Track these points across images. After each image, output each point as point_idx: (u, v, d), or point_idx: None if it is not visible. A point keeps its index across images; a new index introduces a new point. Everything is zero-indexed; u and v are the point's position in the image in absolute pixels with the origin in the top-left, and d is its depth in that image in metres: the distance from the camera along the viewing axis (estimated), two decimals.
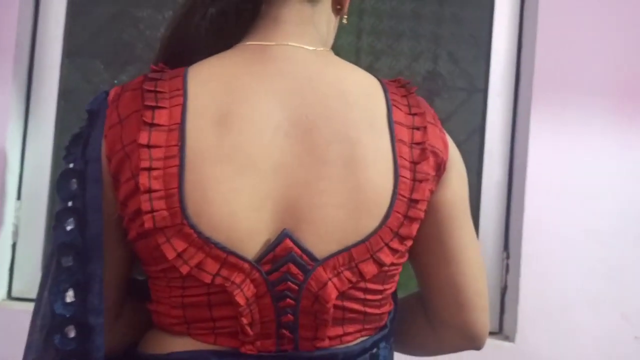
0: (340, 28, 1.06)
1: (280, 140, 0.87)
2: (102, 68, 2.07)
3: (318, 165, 0.86)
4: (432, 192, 0.93)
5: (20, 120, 1.99)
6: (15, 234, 1.99)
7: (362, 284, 0.88)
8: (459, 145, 1.01)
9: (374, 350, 0.95)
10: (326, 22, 0.99)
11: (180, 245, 0.84)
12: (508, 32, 2.09)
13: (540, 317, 1.94)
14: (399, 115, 0.92)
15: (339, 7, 1.01)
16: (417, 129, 0.93)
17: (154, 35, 2.04)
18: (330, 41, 1.02)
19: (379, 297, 0.92)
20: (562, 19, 1.98)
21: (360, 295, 0.89)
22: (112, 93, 0.92)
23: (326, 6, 0.99)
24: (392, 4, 2.12)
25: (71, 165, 0.89)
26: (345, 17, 1.04)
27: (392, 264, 0.90)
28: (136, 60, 2.06)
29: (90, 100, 0.93)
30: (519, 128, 2.05)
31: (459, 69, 2.12)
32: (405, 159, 0.90)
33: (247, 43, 0.95)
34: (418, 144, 0.92)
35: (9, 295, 1.99)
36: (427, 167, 0.91)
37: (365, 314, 0.91)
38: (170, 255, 0.84)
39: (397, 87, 0.96)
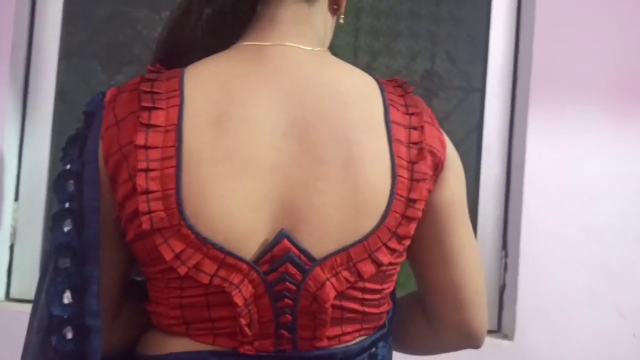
0: (338, 27, 1.05)
1: (277, 141, 0.87)
2: (99, 69, 2.07)
3: (315, 165, 0.86)
4: (429, 191, 0.93)
5: (17, 121, 1.99)
6: (13, 235, 1.99)
7: (360, 284, 0.88)
8: (456, 144, 1.01)
9: (373, 350, 0.95)
10: (323, 22, 0.99)
11: (178, 246, 0.84)
12: (505, 31, 2.09)
13: (538, 315, 1.95)
14: (396, 115, 0.92)
15: (335, 6, 1.01)
16: (415, 128, 0.93)
17: (150, 36, 2.05)
18: (328, 41, 1.02)
19: (378, 296, 0.92)
20: (559, 18, 1.98)
21: (358, 295, 0.89)
22: (108, 94, 0.92)
23: (323, 6, 0.99)
24: (389, 3, 2.12)
25: (68, 167, 0.89)
26: (342, 16, 1.04)
27: (390, 264, 0.90)
28: (133, 61, 2.06)
29: (87, 101, 0.93)
30: (516, 127, 2.05)
31: (456, 68, 2.12)
32: (402, 158, 0.90)
33: (244, 43, 0.95)
34: (415, 143, 0.92)
35: (7, 297, 1.99)
36: (425, 167, 0.91)
37: (363, 313, 0.91)
38: (168, 256, 0.84)
39: (394, 86, 0.96)
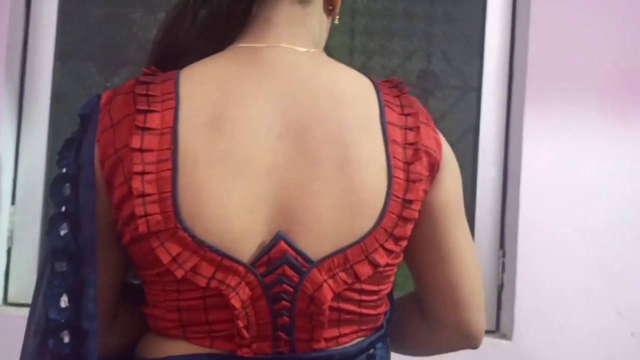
0: (333, 28, 1.05)
1: (273, 142, 0.87)
2: (94, 70, 2.06)
3: (311, 166, 0.86)
4: (426, 192, 0.93)
5: (13, 124, 1.99)
6: (10, 239, 1.99)
7: (357, 285, 0.88)
8: (453, 144, 1.01)
9: (371, 351, 0.95)
10: (318, 22, 0.99)
11: (174, 249, 0.84)
12: (501, 30, 2.09)
13: (536, 315, 1.95)
14: (392, 116, 0.92)
15: (330, 7, 1.01)
16: (410, 129, 0.92)
17: (146, 37, 2.04)
18: (323, 42, 1.02)
19: (375, 297, 0.92)
20: (554, 16, 1.98)
21: (355, 296, 0.89)
22: (104, 97, 0.91)
23: (318, 7, 0.99)
24: (384, 4, 2.12)
25: (64, 170, 0.89)
26: (337, 17, 1.04)
27: (387, 265, 0.90)
28: (129, 62, 2.05)
29: (82, 103, 0.93)
30: (512, 126, 2.05)
31: (452, 67, 2.13)
32: (398, 159, 0.90)
33: (239, 45, 0.95)
34: (411, 144, 0.92)
35: (5, 301, 1.99)
36: (421, 168, 0.91)
37: (361, 314, 0.91)
38: (165, 259, 0.84)
39: (389, 87, 0.96)
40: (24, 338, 0.92)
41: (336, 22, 1.05)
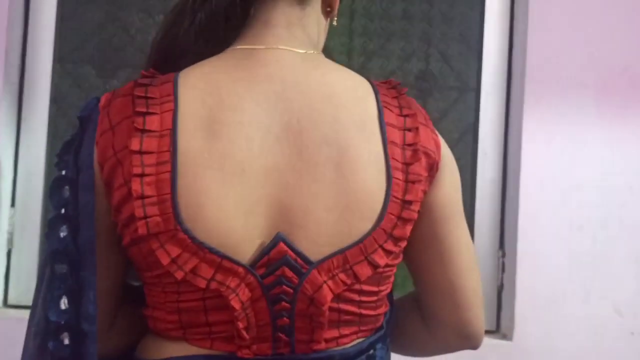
0: (332, 29, 1.06)
1: (270, 145, 0.87)
2: (93, 73, 2.07)
3: (309, 168, 0.86)
4: (425, 193, 0.93)
5: (12, 127, 1.99)
6: (10, 241, 1.99)
7: (357, 286, 0.88)
8: (452, 144, 1.01)
9: (371, 352, 0.95)
10: (316, 24, 0.99)
11: (174, 250, 0.84)
12: (499, 31, 2.10)
13: (536, 315, 1.95)
14: (390, 117, 0.92)
15: (328, 9, 1.01)
16: (409, 130, 0.93)
17: (144, 40, 2.04)
18: (321, 43, 1.02)
19: (374, 298, 0.92)
20: (552, 16, 1.99)
21: (355, 297, 0.89)
22: (103, 99, 0.91)
23: (316, 8, 0.99)
24: (382, 5, 2.13)
25: (63, 173, 0.89)
26: (335, 19, 1.04)
27: (387, 266, 0.90)
28: (127, 65, 2.06)
29: (81, 106, 0.93)
30: (511, 126, 2.05)
31: (450, 68, 2.13)
32: (397, 160, 0.90)
33: (238, 47, 0.95)
34: (410, 145, 0.92)
35: (5, 303, 1.99)
36: (420, 168, 0.91)
37: (360, 315, 0.91)
38: (165, 260, 0.84)
39: (387, 88, 0.96)
40: (24, 340, 0.92)
41: (334, 23, 1.05)
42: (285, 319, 0.86)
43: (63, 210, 0.88)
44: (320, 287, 0.85)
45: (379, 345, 0.96)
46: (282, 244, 0.85)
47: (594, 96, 1.98)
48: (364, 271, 0.87)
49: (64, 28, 2.05)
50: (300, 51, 0.94)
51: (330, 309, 0.87)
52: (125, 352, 0.97)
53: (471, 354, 1.11)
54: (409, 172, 0.90)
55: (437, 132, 0.97)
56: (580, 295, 1.96)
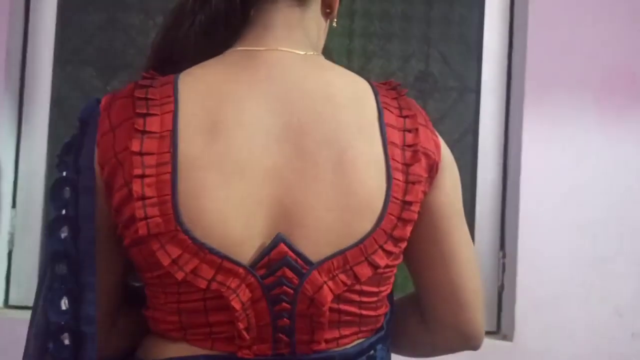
0: (332, 30, 1.06)
1: (271, 145, 0.87)
2: (93, 75, 2.07)
3: (309, 168, 0.87)
4: (425, 193, 0.93)
5: (13, 128, 1.99)
6: (11, 242, 1.99)
7: (357, 287, 0.88)
8: (452, 145, 1.01)
9: (371, 352, 0.95)
10: (316, 25, 1.00)
11: (174, 251, 0.84)
12: (499, 31, 2.10)
13: (537, 315, 1.95)
14: (390, 118, 0.92)
15: (328, 10, 1.01)
16: (409, 131, 0.93)
17: (144, 42, 2.05)
18: (321, 45, 1.02)
19: (375, 299, 0.92)
20: (552, 17, 1.99)
21: (355, 297, 0.89)
22: (103, 101, 0.92)
23: (315, 10, 0.99)
24: (382, 6, 2.13)
25: (64, 174, 0.90)
26: (335, 20, 1.04)
27: (387, 266, 0.90)
28: (127, 67, 2.06)
29: (82, 107, 0.93)
30: (511, 127, 2.05)
31: (450, 69, 2.13)
32: (397, 161, 0.90)
33: (238, 49, 0.95)
34: (410, 146, 0.92)
35: (6, 304, 1.99)
36: (420, 169, 0.91)
37: (361, 316, 0.91)
38: (165, 261, 0.84)
39: (387, 89, 0.96)
40: (25, 341, 0.92)
41: (334, 25, 1.05)
42: (285, 319, 0.87)
43: (64, 211, 0.88)
44: (321, 287, 0.86)
45: (379, 346, 0.96)
46: (282, 245, 0.85)
47: (594, 96, 1.98)
48: (364, 272, 0.87)
49: (64, 30, 2.05)
50: (300, 52, 0.95)
51: (331, 309, 0.87)
52: (127, 353, 0.97)
53: (471, 355, 1.11)
54: (409, 172, 0.90)
55: (437, 133, 0.98)
56: (581, 296, 1.96)
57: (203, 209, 0.84)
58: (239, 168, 0.85)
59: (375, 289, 0.91)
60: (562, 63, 1.98)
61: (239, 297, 0.84)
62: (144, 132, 0.86)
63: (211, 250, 0.84)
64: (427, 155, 0.93)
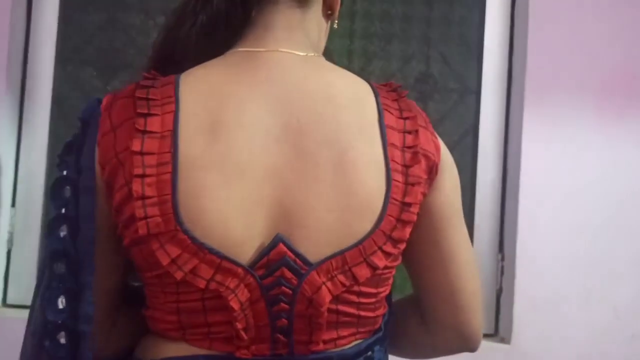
0: (332, 31, 1.06)
1: (271, 146, 0.87)
2: (94, 75, 2.07)
3: (309, 169, 0.87)
4: (424, 195, 0.93)
5: (13, 128, 1.99)
6: (10, 241, 1.99)
7: (355, 288, 0.88)
8: (452, 146, 1.01)
9: (369, 354, 0.95)
10: (317, 27, 1.00)
11: (174, 251, 0.84)
12: (499, 33, 2.10)
13: (535, 318, 1.95)
14: (390, 119, 0.92)
15: (329, 12, 1.01)
16: (409, 132, 0.93)
17: (145, 42, 2.05)
18: (322, 46, 1.03)
19: (373, 300, 0.92)
20: (553, 19, 1.99)
21: (354, 298, 0.89)
22: (104, 100, 0.92)
23: (316, 11, 0.99)
24: (383, 7, 2.13)
25: (65, 173, 0.90)
26: (336, 21, 1.04)
27: (386, 267, 0.90)
28: (128, 67, 2.06)
29: (82, 107, 0.93)
30: (512, 128, 2.05)
31: (451, 70, 2.13)
32: (397, 162, 0.90)
33: (239, 49, 0.95)
34: (410, 147, 0.92)
35: (4, 302, 1.99)
36: (419, 171, 0.91)
37: (359, 317, 0.91)
38: (165, 261, 0.84)
39: (387, 91, 0.96)
40: (23, 339, 0.92)
41: (335, 26, 1.05)
42: (283, 319, 0.87)
43: (63, 210, 0.88)
44: (319, 288, 0.86)
45: (377, 347, 0.96)
46: (281, 245, 0.85)
47: (594, 98, 1.98)
48: (363, 273, 0.87)
49: (65, 30, 2.05)
50: (301, 54, 0.95)
51: (329, 310, 0.87)
52: (127, 353, 0.97)
53: (469, 357, 1.11)
54: (408, 174, 0.90)
55: (436, 135, 0.98)
56: (580, 298, 1.95)
57: (203, 209, 0.84)
58: (239, 168, 0.85)
59: (373, 290, 0.91)
60: (562, 64, 1.98)
61: (238, 297, 0.85)
62: (144, 132, 0.86)
63: (210, 250, 0.84)
64: (426, 157, 0.93)
